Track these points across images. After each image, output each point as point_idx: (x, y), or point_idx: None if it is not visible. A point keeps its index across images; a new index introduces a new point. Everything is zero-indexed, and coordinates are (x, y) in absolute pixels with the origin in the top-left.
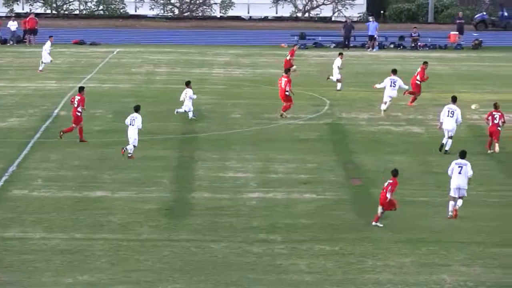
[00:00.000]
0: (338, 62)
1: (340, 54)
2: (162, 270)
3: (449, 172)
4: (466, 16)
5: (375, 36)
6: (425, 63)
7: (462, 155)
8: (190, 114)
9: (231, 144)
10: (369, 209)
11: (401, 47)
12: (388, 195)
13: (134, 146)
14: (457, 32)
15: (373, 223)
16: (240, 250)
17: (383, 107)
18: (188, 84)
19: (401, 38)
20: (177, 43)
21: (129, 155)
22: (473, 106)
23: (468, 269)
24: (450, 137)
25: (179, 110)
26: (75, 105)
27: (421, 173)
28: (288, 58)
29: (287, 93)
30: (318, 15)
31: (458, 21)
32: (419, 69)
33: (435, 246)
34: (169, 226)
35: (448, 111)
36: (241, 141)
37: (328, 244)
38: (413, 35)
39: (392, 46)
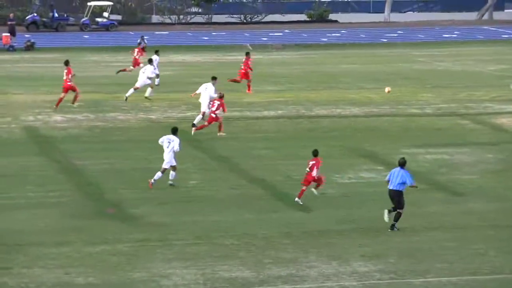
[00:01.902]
0: None
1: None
2: None
3: (159, 141)
4: (17, 18)
5: None
6: (248, 53)
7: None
8: None
9: None
10: None
11: None
12: (314, 173)
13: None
14: (9, 34)
15: (296, 199)
16: None
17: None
18: None
19: None
20: None
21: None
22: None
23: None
24: None
25: None
26: None
27: None
28: None
29: None
30: None
31: (9, 22)
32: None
33: None
34: None
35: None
36: None
37: None
38: None
39: None
